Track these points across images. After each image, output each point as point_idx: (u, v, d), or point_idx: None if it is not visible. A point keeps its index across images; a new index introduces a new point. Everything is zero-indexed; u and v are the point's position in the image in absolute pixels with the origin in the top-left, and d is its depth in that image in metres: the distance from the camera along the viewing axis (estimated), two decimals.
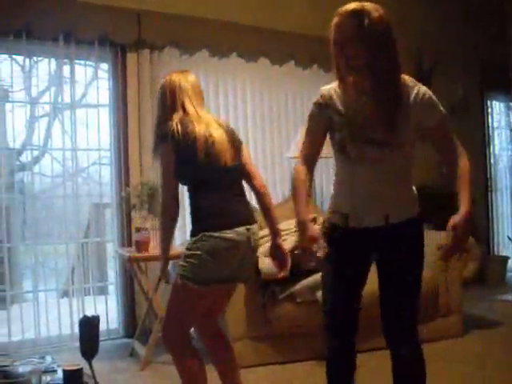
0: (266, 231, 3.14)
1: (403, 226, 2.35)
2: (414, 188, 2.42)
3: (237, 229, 2.66)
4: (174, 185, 2.73)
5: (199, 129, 2.71)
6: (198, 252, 2.60)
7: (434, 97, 2.31)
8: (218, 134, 2.76)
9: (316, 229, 2.42)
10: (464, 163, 2.28)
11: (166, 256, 2.82)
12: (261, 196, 2.89)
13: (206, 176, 2.71)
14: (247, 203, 2.85)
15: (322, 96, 2.36)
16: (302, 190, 2.36)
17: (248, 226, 2.72)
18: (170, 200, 2.71)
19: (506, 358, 3.89)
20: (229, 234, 2.63)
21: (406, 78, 2.31)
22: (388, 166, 2.29)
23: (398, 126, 2.24)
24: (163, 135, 2.72)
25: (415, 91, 2.28)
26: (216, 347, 2.95)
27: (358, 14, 2.18)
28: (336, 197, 2.44)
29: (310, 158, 2.42)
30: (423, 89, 2.30)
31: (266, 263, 3.66)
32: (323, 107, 2.35)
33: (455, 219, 2.18)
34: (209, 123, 2.78)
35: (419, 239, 2.41)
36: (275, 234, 2.90)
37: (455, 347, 4.18)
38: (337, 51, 2.25)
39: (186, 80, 2.87)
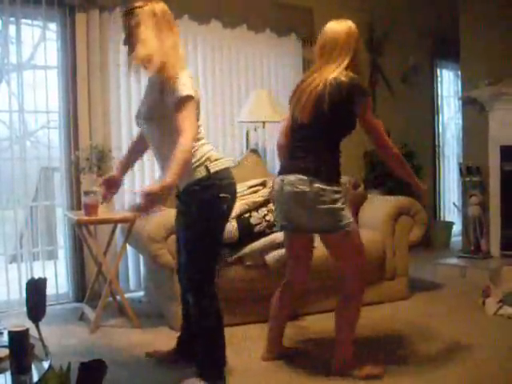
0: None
1: (183, 193, 2.78)
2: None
3: None
4: None
5: None
6: None
7: (177, 83, 2.57)
8: None
9: None
10: (179, 145, 2.52)
11: None
12: None
13: None
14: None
15: None
16: None
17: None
18: None
19: (447, 318, 4.03)
20: None
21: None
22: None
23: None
24: (365, 89, 2.90)
25: None
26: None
27: None
28: None
29: None
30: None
31: None
32: None
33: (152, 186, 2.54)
34: None
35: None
36: None
37: (401, 309, 4.30)
38: None
39: None
